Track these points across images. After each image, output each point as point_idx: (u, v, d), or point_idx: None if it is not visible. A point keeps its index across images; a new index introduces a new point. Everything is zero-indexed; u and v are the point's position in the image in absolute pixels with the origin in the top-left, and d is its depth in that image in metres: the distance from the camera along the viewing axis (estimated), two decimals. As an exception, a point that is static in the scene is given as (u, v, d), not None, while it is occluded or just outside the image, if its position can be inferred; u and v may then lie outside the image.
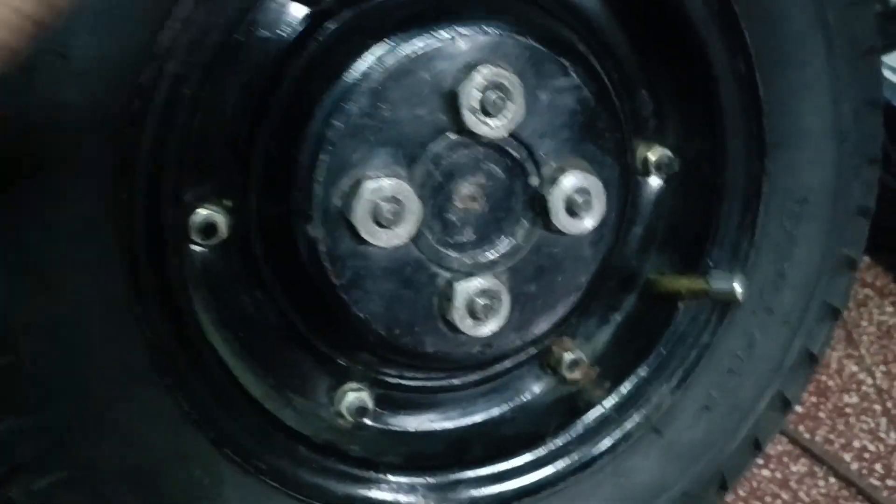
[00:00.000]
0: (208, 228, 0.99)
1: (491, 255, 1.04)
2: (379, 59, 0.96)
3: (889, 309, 1.75)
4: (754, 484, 1.44)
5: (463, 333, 1.02)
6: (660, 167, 1.16)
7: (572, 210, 1.03)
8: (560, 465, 1.13)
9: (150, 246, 0.92)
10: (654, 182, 1.19)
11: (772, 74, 1.12)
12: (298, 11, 0.98)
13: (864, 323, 1.72)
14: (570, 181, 1.02)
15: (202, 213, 0.98)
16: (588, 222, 1.04)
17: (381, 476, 1.07)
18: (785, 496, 1.43)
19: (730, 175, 1.16)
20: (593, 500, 1.14)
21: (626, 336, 1.20)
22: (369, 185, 0.95)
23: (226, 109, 0.97)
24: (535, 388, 1.19)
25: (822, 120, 1.15)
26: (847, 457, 1.49)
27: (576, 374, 1.18)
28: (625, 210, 1.12)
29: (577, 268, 1.08)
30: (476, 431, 1.15)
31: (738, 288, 1.10)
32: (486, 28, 0.99)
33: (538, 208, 1.04)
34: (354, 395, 1.09)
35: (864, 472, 1.47)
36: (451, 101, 0.97)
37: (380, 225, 0.96)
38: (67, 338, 0.87)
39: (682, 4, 1.09)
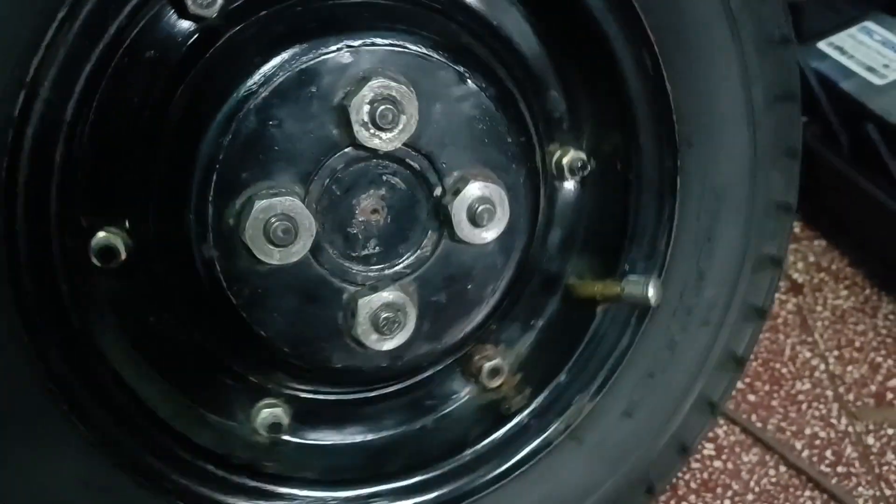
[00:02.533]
0: (106, 252, 0.98)
1: (396, 267, 1.03)
2: (265, 75, 0.96)
3: (843, 293, 1.72)
4: (706, 476, 1.43)
5: (369, 348, 1.02)
6: (574, 170, 1.14)
7: (475, 220, 1.02)
8: (480, 474, 1.12)
9: (37, 274, 0.91)
10: (570, 185, 1.17)
11: (677, 65, 1.08)
12: (185, 29, 0.97)
13: (819, 308, 1.69)
14: (472, 191, 1.00)
15: (101, 236, 0.98)
16: (491, 233, 1.02)
17: (292, 492, 1.07)
18: (736, 486, 1.42)
19: (644, 173, 1.13)
20: (517, 506, 1.14)
21: (547, 342, 1.18)
22: (259, 204, 0.94)
23: (114, 133, 0.96)
24: (457, 397, 1.17)
25: (732, 111, 1.12)
26: (798, 445, 1.48)
27: (497, 382, 1.16)
28: (537, 215, 1.11)
29: (489, 276, 1.07)
30: (396, 442, 1.14)
31: (651, 292, 1.08)
32: (375, 39, 0.97)
33: (442, 218, 1.03)
34: (269, 412, 1.08)
35: (815, 459, 1.46)
36: (343, 116, 0.96)
37: (272, 244, 0.95)
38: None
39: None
